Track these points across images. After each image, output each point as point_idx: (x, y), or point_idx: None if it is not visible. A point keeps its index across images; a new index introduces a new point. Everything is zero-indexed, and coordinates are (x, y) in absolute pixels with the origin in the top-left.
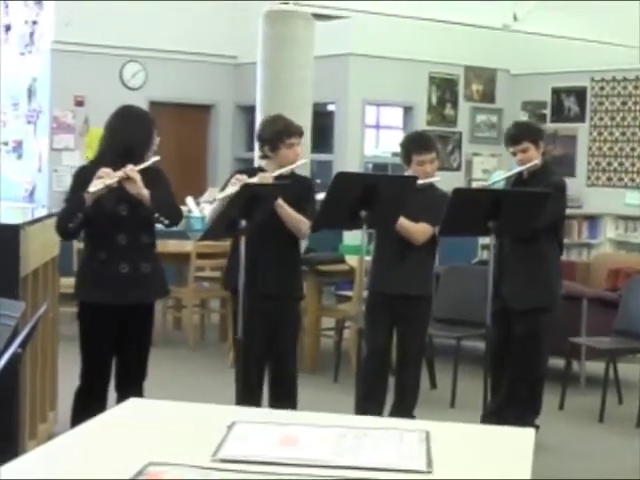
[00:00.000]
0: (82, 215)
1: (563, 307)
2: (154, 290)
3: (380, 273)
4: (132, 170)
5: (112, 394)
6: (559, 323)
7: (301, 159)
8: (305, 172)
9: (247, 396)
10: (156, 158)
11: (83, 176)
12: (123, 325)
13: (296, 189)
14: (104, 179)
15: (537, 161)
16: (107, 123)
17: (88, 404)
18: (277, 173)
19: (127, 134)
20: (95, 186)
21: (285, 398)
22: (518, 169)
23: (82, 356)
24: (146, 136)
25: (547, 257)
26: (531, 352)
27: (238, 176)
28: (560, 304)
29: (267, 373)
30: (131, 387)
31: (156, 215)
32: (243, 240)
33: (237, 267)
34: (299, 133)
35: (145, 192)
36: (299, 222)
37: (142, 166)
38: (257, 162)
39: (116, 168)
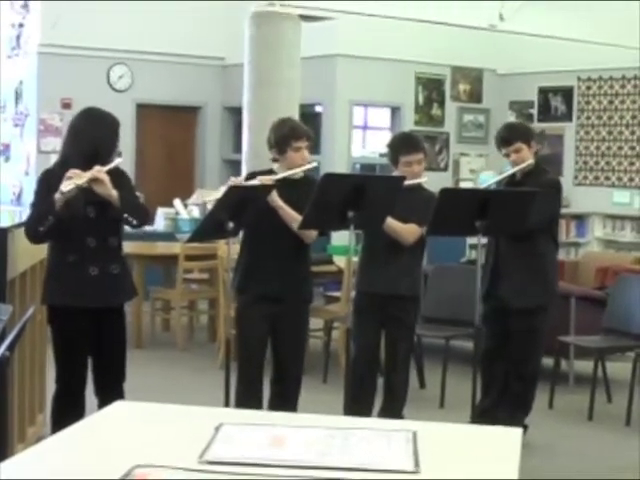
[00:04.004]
0: (53, 218)
1: (556, 305)
2: (124, 291)
3: (368, 274)
4: (100, 171)
5: (92, 398)
6: (555, 320)
7: (309, 162)
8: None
9: (247, 397)
10: (120, 159)
11: (49, 179)
12: (95, 328)
13: (304, 191)
14: (74, 179)
15: (531, 161)
16: (71, 125)
17: (66, 409)
18: (281, 176)
19: (93, 136)
20: (66, 186)
21: (284, 400)
22: (512, 170)
23: (56, 360)
24: (111, 137)
25: (544, 255)
26: (527, 350)
27: (232, 178)
28: (557, 302)
29: (270, 374)
30: (111, 390)
31: (125, 216)
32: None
33: (244, 268)
34: (306, 136)
35: (114, 193)
36: (295, 222)
37: (109, 167)
38: (245, 164)
39: (83, 170)
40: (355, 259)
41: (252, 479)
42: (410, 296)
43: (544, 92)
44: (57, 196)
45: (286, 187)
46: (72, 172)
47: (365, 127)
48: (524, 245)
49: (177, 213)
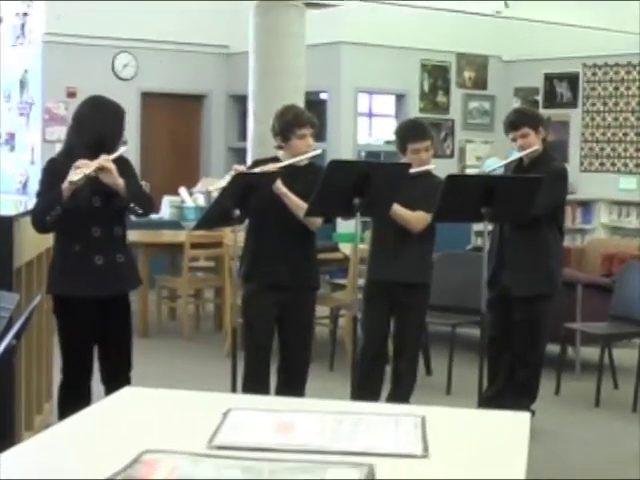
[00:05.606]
0: (60, 208)
1: (562, 293)
2: (129, 280)
3: (379, 261)
4: (107, 160)
5: (98, 387)
6: (558, 309)
7: (313, 149)
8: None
9: (255, 386)
10: (125, 148)
11: (54, 168)
12: (100, 317)
13: (309, 178)
14: (83, 169)
15: (537, 147)
16: (76, 113)
17: (72, 398)
18: (285, 163)
19: (97, 124)
20: (76, 175)
21: (291, 388)
22: (518, 155)
23: (61, 350)
24: (117, 126)
25: (548, 244)
26: (531, 338)
27: (236, 166)
28: (560, 290)
29: (278, 361)
30: (118, 379)
31: (131, 205)
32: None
33: (250, 256)
34: (310, 123)
35: (121, 182)
36: (300, 210)
37: (115, 155)
38: (250, 152)
39: (88, 159)
40: (361, 246)
41: (261, 464)
42: (420, 283)
43: (549, 79)
44: (65, 186)
45: (291, 175)
46: (80, 162)
47: (370, 114)
48: (528, 233)
49: (183, 201)
